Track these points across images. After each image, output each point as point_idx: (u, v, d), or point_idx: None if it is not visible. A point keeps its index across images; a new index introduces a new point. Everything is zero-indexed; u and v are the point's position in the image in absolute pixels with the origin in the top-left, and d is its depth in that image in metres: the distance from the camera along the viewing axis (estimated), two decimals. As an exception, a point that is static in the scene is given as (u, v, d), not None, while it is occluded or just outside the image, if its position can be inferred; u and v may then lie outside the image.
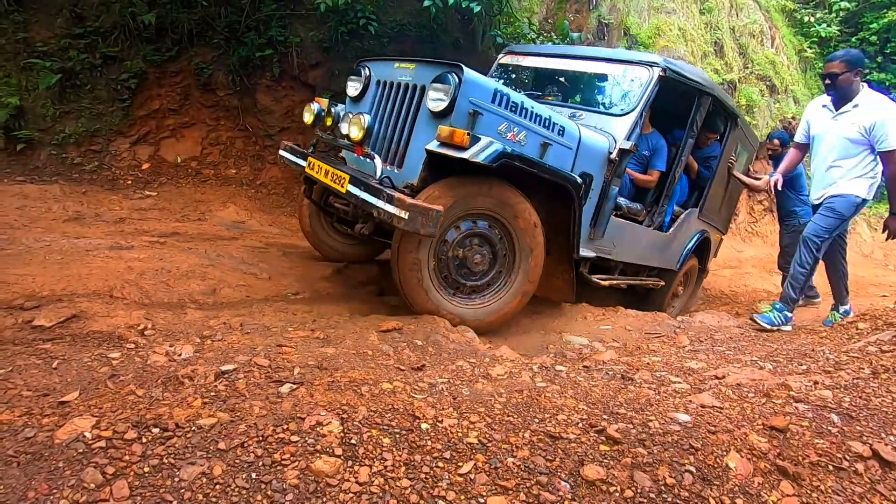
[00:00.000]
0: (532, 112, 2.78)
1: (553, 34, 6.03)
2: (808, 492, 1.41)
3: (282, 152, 3.45)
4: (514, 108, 2.71)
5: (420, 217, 2.34)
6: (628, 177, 3.66)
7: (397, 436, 1.45)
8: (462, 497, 1.26)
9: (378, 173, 2.64)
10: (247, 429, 1.37)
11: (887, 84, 8.53)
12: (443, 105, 2.54)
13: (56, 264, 2.74)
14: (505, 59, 4.06)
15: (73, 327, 2.01)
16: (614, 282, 3.54)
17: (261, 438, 1.33)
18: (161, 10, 5.03)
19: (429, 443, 1.45)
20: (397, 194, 2.37)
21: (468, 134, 2.38)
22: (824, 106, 3.35)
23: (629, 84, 3.36)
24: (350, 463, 1.31)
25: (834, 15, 8.91)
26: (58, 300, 2.26)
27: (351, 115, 2.85)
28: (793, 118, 7.84)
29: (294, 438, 1.35)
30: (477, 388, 1.91)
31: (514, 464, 1.40)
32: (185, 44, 5.27)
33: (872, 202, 8.75)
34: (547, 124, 2.84)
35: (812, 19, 8.88)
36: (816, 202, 3.41)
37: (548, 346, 2.93)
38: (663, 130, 3.87)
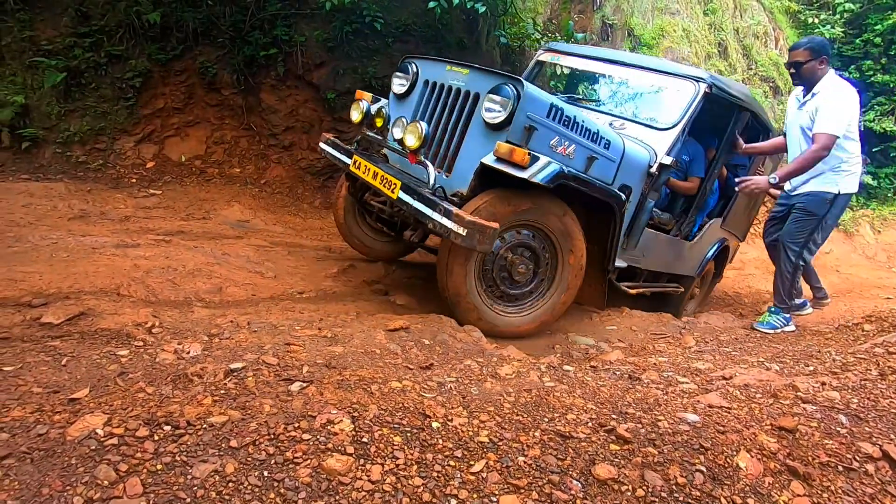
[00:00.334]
0: (583, 126, 2.77)
1: (557, 34, 6.03)
2: (819, 492, 1.41)
3: (322, 145, 3.44)
4: (566, 123, 2.71)
5: (478, 234, 2.36)
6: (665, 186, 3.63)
7: (408, 434, 1.45)
8: (475, 496, 1.26)
9: (432, 182, 2.64)
10: (258, 427, 1.37)
11: (891, 85, 8.51)
12: (500, 118, 2.55)
13: (62, 262, 2.74)
14: (544, 57, 4.03)
15: (81, 325, 2.01)
16: (641, 289, 3.54)
17: (272, 436, 1.33)
18: (166, 9, 5.03)
19: (440, 441, 1.45)
20: (455, 210, 2.40)
21: (529, 154, 2.39)
22: (797, 97, 3.29)
23: (673, 97, 3.30)
24: (362, 461, 1.31)
25: (838, 16, 8.90)
26: (65, 298, 2.27)
27: (406, 121, 2.84)
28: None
29: (305, 437, 1.35)
30: (486, 387, 1.91)
31: (525, 463, 1.40)
32: (189, 43, 5.27)
33: (870, 200, 8.75)
34: (595, 139, 2.83)
35: (816, 21, 8.87)
36: (791, 194, 3.37)
37: (554, 345, 2.93)
38: (694, 136, 3.84)
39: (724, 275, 5.97)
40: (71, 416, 1.31)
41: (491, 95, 2.59)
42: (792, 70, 3.16)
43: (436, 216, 2.44)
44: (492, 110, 2.59)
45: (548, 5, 6.80)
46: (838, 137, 3.00)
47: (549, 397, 1.86)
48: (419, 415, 1.57)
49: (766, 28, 8.28)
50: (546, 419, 1.67)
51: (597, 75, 3.86)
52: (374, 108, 3.26)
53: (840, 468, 1.50)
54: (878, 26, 8.51)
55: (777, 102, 7.97)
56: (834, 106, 2.98)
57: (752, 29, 8.06)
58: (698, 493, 1.34)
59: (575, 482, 1.35)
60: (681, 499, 1.32)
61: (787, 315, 3.25)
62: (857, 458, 1.54)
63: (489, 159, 2.51)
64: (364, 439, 1.39)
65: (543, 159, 2.45)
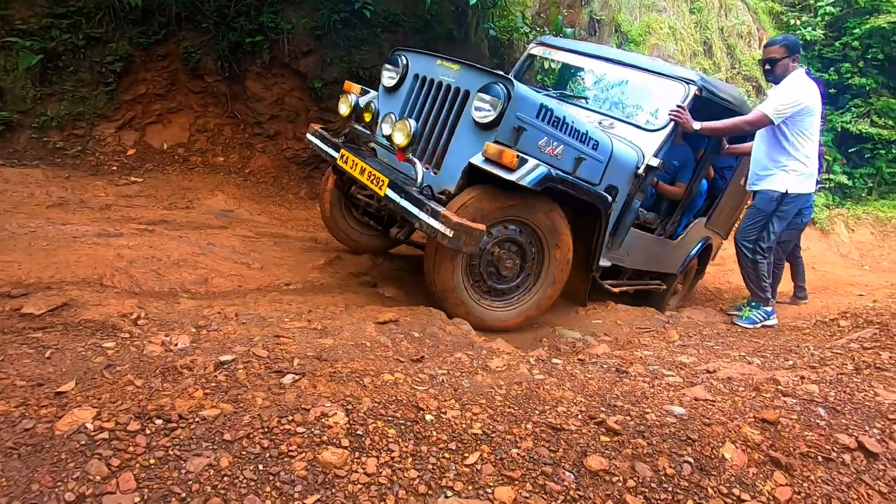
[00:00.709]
0: (572, 127, 2.77)
1: (546, 29, 6.03)
2: (800, 482, 1.46)
3: (310, 137, 3.40)
4: (555, 124, 2.71)
5: (464, 236, 2.36)
6: (651, 187, 3.67)
7: (402, 427, 1.46)
8: (470, 487, 1.27)
9: (419, 180, 2.63)
10: (251, 420, 1.36)
11: (867, 88, 8.73)
12: (490, 118, 2.54)
13: (42, 251, 2.67)
14: (536, 50, 4.02)
15: (65, 315, 1.96)
16: (624, 287, 3.59)
17: (266, 430, 1.32)
18: (148, -9, 4.89)
19: (434, 434, 1.46)
20: (442, 211, 2.39)
21: (517, 156, 2.39)
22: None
23: (663, 98, 3.31)
24: (357, 454, 1.31)
25: (819, 19, 9.08)
26: (46, 288, 2.21)
27: (394, 117, 2.81)
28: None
29: (300, 430, 1.35)
30: (477, 379, 1.93)
31: (518, 454, 1.42)
32: (172, 27, 5.13)
33: (845, 200, 8.99)
34: (584, 139, 2.84)
35: (798, 22, 9.03)
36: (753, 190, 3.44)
37: (541, 339, 2.96)
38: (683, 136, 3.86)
39: (706, 271, 6.10)
40: (58, 409, 1.28)
41: (481, 94, 2.58)
42: (767, 66, 3.20)
43: (423, 216, 2.44)
44: (481, 109, 2.58)
45: (537, -1, 6.79)
46: (772, 122, 3.06)
47: (540, 390, 1.88)
48: (412, 407, 1.58)
49: (749, 28, 8.42)
50: (537, 411, 1.70)
51: (588, 72, 3.86)
52: (362, 102, 3.23)
53: (819, 458, 1.55)
54: (857, 30, 8.70)
55: (760, 101, 8.13)
56: (782, 93, 3.05)
57: (737, 28, 8.18)
58: (686, 484, 1.38)
59: (567, 473, 1.38)
60: (670, 489, 1.36)
61: (769, 308, 3.33)
62: (835, 449, 1.59)
63: (478, 160, 2.50)
64: (359, 432, 1.39)
65: (531, 162, 2.45)
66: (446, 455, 1.38)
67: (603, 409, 1.75)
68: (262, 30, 5.18)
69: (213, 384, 1.54)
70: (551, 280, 2.92)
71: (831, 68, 9.08)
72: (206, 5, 5.11)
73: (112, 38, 4.93)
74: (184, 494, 1.08)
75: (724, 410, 1.79)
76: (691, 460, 1.46)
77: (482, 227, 2.42)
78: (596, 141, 2.90)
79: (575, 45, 3.93)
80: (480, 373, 2.01)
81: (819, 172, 3.37)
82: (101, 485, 1.05)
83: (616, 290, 3.49)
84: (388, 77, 3.17)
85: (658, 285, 4.06)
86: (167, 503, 1.04)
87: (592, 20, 7.18)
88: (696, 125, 3.10)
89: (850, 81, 8.86)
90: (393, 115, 2.88)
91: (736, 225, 4.21)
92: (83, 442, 1.15)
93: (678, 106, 3.15)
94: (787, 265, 4.71)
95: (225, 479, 1.14)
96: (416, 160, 2.71)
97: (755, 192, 3.30)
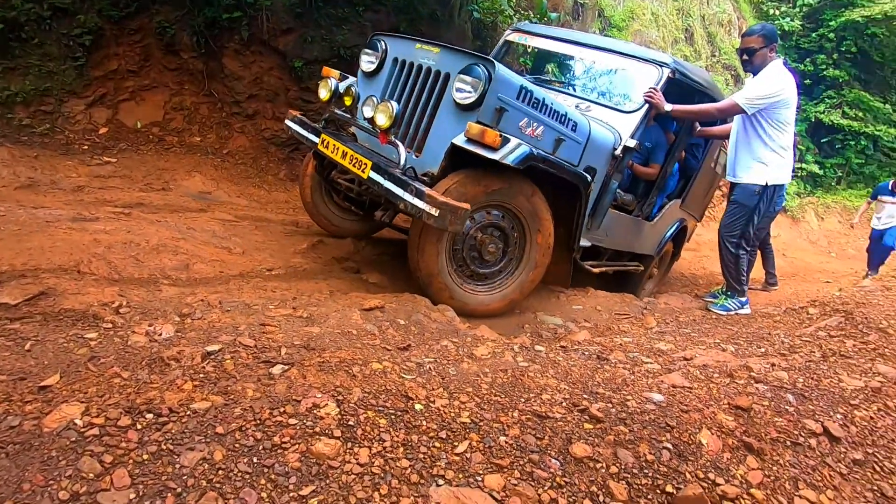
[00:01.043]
0: (551, 108, 2.80)
1: (531, 12, 5.98)
2: (770, 465, 1.55)
3: (289, 122, 3.36)
4: (535, 105, 2.73)
5: (450, 215, 2.38)
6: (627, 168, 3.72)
7: (393, 417, 1.48)
8: (461, 475, 1.31)
9: (402, 162, 2.62)
10: (243, 412, 1.36)
11: (840, 80, 8.94)
12: (471, 99, 2.55)
13: (13, 236, 2.58)
14: (512, 37, 4.02)
15: (43, 305, 1.91)
16: (604, 268, 3.66)
17: (258, 422, 1.33)
18: (118, -40, 4.66)
19: (424, 423, 1.49)
20: (427, 190, 2.39)
21: (500, 135, 2.41)
22: None
23: (638, 81, 3.37)
24: (350, 444, 1.33)
25: (797, 10, 9.22)
26: (21, 276, 2.14)
27: (376, 100, 2.79)
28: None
29: (292, 421, 1.36)
30: (463, 367, 1.96)
31: (506, 442, 1.46)
32: (145, 0, 4.91)
33: (816, 189, 9.28)
34: (563, 121, 2.87)
35: (777, 12, 9.16)
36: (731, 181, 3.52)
37: (524, 325, 3.02)
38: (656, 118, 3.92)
39: (681, 256, 6.26)
40: (44, 405, 1.26)
41: (462, 76, 2.59)
42: (745, 56, 3.24)
43: (407, 196, 2.45)
44: (462, 90, 2.59)
45: (521, -19, 6.70)
46: (744, 112, 3.14)
47: (524, 378, 1.93)
48: (402, 397, 1.61)
49: (730, 17, 8.50)
50: (523, 399, 1.74)
51: (564, 57, 3.89)
52: (342, 87, 3.19)
53: (788, 443, 1.64)
54: (833, 22, 8.88)
55: (739, 89, 8.27)
56: (759, 85, 3.12)
57: (718, 17, 8.25)
58: (666, 469, 1.44)
59: (553, 461, 1.43)
60: (650, 474, 1.42)
61: (743, 299, 3.45)
62: (803, 434, 1.69)
63: (460, 140, 2.52)
64: (350, 423, 1.41)
65: (514, 141, 2.48)
66: (436, 444, 1.42)
67: (586, 396, 1.81)
68: (241, 6, 5.01)
69: (201, 375, 1.54)
70: (533, 264, 2.97)
71: (807, 59, 9.27)
72: (180, -22, 4.91)
73: (80, 10, 4.70)
74: (179, 489, 1.08)
75: (701, 397, 1.87)
76: (670, 446, 1.52)
77: (467, 206, 2.45)
78: (575, 122, 2.94)
79: (550, 31, 3.97)
80: (466, 360, 2.05)
81: (794, 161, 3.46)
82: (95, 482, 1.05)
83: (596, 270, 3.57)
84: (367, 62, 3.15)
85: (636, 267, 4.17)
86: (163, 499, 1.05)
87: (576, 4, 7.14)
88: (668, 107, 3.17)
89: (824, 73, 9.07)
90: (374, 98, 2.86)
91: (718, 217, 4.32)
92: (73, 439, 1.14)
93: (651, 87, 3.21)
94: (758, 252, 4.87)
95: (220, 472, 1.15)
96: (398, 142, 2.71)
97: (734, 185, 3.38)
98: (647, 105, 3.24)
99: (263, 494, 1.13)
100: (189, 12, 4.98)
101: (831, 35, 8.90)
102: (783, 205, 3.44)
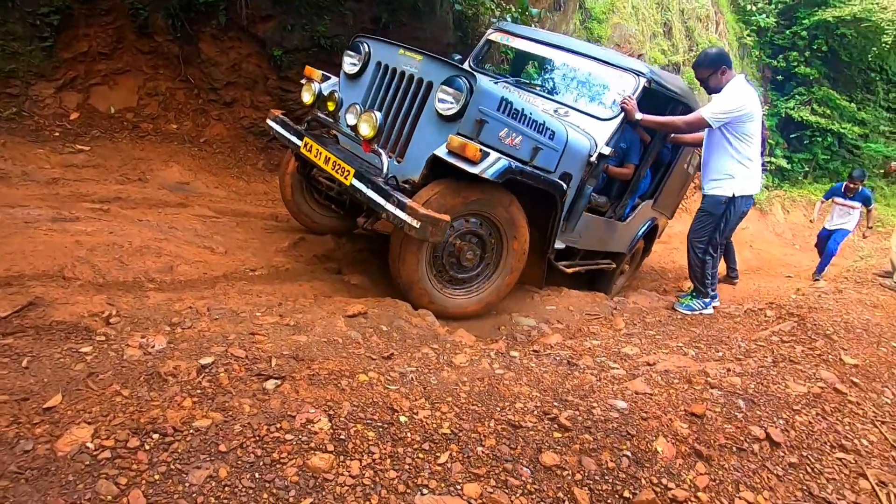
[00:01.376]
0: (530, 118, 2.90)
1: (512, 6, 5.99)
2: (716, 470, 1.74)
3: (270, 122, 3.38)
4: (515, 115, 2.83)
5: (430, 227, 2.48)
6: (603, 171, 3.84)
7: (380, 429, 1.61)
8: (442, 485, 1.45)
9: (385, 171, 2.69)
10: (242, 429, 1.47)
11: (811, 78, 9.25)
12: (453, 110, 2.63)
13: (-8, 238, 2.56)
14: (494, 36, 4.08)
15: (33, 317, 1.94)
16: (577, 268, 3.83)
17: (257, 438, 1.44)
18: (87, -63, 4.48)
19: (409, 435, 1.62)
20: (409, 202, 2.48)
21: (480, 150, 2.50)
22: None
23: (616, 88, 3.49)
24: (342, 458, 1.45)
25: (773, 7, 9.44)
26: (6, 285, 2.16)
27: (359, 108, 2.84)
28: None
29: (288, 437, 1.47)
30: (443, 376, 2.10)
31: (483, 452, 1.61)
32: (116, -20, 4.75)
33: (783, 182, 9.67)
34: (541, 130, 2.97)
35: (753, 8, 9.37)
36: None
37: (500, 326, 3.17)
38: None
39: (652, 249, 6.51)
40: (52, 427, 1.34)
41: (444, 87, 2.67)
42: (701, 84, 3.49)
43: (390, 207, 2.54)
44: (445, 101, 2.67)
45: (504, -29, 6.67)
46: (709, 125, 3.33)
47: (500, 385, 2.08)
48: (388, 409, 1.73)
49: (708, 12, 8.65)
50: (498, 408, 1.89)
51: (545, 59, 3.97)
52: (325, 90, 3.21)
53: (734, 449, 1.84)
54: (806, 21, 9.15)
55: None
56: (723, 100, 3.31)
57: (697, 12, 8.39)
58: (624, 476, 1.61)
59: (525, 469, 1.58)
60: (610, 480, 1.59)
61: (708, 300, 3.67)
62: (748, 440, 1.89)
63: (441, 152, 2.61)
64: (342, 436, 1.53)
65: (493, 155, 2.58)
66: (420, 455, 1.55)
67: (556, 404, 1.97)
68: (218, -11, 4.88)
69: (198, 391, 1.62)
70: (509, 269, 3.11)
71: (780, 55, 9.54)
72: (154, -41, 4.75)
73: (47, -11, 4.51)
74: (188, 507, 1.19)
75: (660, 404, 2.05)
76: (629, 454, 1.70)
77: (447, 217, 2.56)
78: (552, 131, 3.06)
79: (533, 34, 4.04)
80: (446, 369, 2.18)
81: (761, 172, 3.67)
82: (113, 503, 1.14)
83: (570, 271, 3.74)
84: (350, 64, 3.19)
85: (608, 264, 4.37)
86: (176, 517, 1.15)
87: (558, -4, 7.16)
88: (638, 115, 3.33)
89: (796, 70, 9.36)
90: (358, 106, 2.91)
91: (691, 210, 4.50)
92: (87, 462, 1.22)
93: (627, 95, 3.37)
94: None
95: (226, 489, 1.26)
96: (381, 151, 2.78)
97: (704, 196, 3.57)
98: (623, 113, 3.38)
99: (265, 509, 1.25)
100: (164, -5, 4.83)
101: (804, 33, 9.19)
102: (751, 205, 3.65)
